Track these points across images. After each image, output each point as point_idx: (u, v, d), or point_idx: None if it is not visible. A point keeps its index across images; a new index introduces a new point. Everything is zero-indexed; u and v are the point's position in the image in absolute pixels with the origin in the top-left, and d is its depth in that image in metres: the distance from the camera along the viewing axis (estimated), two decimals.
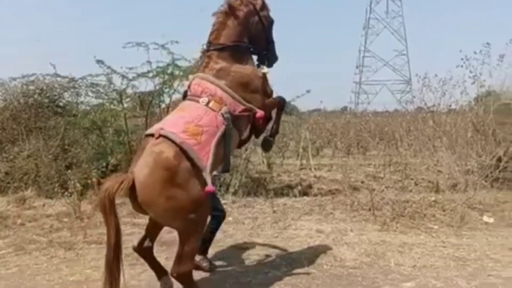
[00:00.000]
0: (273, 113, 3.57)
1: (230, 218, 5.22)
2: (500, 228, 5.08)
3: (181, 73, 6.48)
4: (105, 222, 2.65)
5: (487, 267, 3.89)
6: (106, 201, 2.57)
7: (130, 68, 6.51)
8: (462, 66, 7.24)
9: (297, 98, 7.34)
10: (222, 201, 5.67)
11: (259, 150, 7.39)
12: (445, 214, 5.37)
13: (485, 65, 7.18)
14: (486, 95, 8.02)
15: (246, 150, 7.04)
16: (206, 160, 2.77)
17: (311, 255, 4.13)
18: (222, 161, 3.03)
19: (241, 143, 3.45)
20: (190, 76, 3.43)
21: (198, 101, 2.99)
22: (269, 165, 7.42)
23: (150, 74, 6.51)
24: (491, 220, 5.26)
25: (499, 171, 6.61)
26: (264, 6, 3.42)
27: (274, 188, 7.58)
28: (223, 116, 2.93)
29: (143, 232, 3.15)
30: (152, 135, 2.82)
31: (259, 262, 4.00)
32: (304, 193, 7.54)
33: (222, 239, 4.58)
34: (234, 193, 6.41)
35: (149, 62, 6.48)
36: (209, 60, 3.17)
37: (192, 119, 2.86)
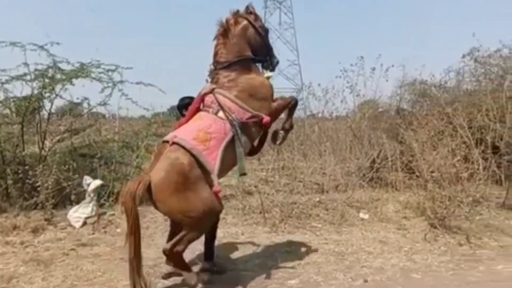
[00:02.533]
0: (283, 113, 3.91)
1: (118, 230, 5.01)
2: (374, 223, 5.65)
3: (63, 77, 6.01)
4: (127, 216, 3.02)
5: (361, 259, 4.32)
6: (130, 199, 2.96)
7: (3, 70, 5.85)
8: (341, 77, 7.95)
9: None
10: (110, 212, 5.45)
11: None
12: (328, 213, 5.80)
13: (360, 76, 7.98)
14: (365, 103, 8.89)
15: (137, 157, 6.79)
16: (213, 163, 3.12)
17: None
18: (233, 165, 3.37)
19: (255, 151, 3.77)
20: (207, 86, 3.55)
21: (208, 111, 3.36)
22: None
23: (28, 77, 5.93)
24: (366, 216, 5.82)
25: (374, 172, 7.35)
26: (257, 18, 3.73)
27: None
28: (231, 123, 3.26)
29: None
30: (167, 141, 3.21)
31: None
32: None
33: (110, 252, 4.38)
34: None
35: (26, 64, 5.89)
36: (218, 76, 3.49)
37: (202, 127, 3.23)
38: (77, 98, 6.54)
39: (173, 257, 3.22)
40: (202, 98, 3.47)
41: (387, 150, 7.47)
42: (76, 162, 6.01)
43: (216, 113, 3.34)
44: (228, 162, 3.28)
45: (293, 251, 4.56)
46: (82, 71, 6.05)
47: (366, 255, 4.45)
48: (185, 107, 3.89)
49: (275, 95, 3.79)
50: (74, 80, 6.04)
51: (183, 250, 3.19)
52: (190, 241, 3.21)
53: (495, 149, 6.76)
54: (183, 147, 3.08)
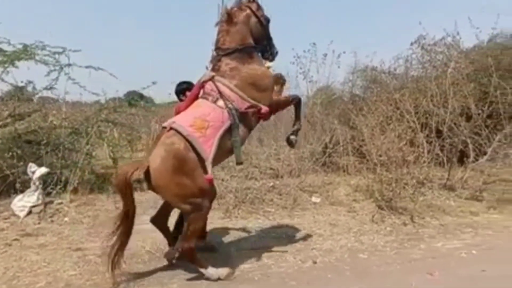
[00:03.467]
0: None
1: (66, 219, 4.86)
2: (325, 207, 5.82)
3: (5, 59, 5.68)
4: (122, 199, 3.17)
5: (311, 241, 4.45)
6: (123, 182, 3.09)
7: None
8: (294, 63, 8.02)
9: (143, 89, 7.08)
10: (58, 201, 5.25)
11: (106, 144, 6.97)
12: (281, 198, 5.91)
13: (313, 62, 8.09)
14: (318, 90, 9.03)
15: (87, 144, 6.56)
16: (209, 151, 3.18)
17: (151, 247, 4.14)
18: (229, 154, 3.46)
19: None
20: (207, 73, 3.54)
21: (208, 99, 3.38)
22: (114, 160, 7.01)
23: None
24: (318, 200, 5.98)
25: (326, 157, 7.54)
26: (259, 7, 3.73)
27: None
28: (229, 112, 3.30)
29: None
30: (165, 127, 3.27)
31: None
32: None
33: (57, 242, 4.25)
34: (74, 192, 5.91)
35: None
36: (220, 63, 3.49)
37: (200, 114, 3.27)
38: (21, 82, 6.22)
39: (186, 253, 3.30)
40: (202, 85, 3.48)
41: (339, 136, 7.69)
42: (22, 149, 5.74)
43: (215, 101, 3.37)
44: (224, 150, 3.34)
45: (245, 236, 4.61)
46: (25, 52, 5.76)
47: (317, 237, 4.58)
48: (183, 92, 3.92)
49: None
50: (18, 63, 5.73)
51: (193, 244, 3.28)
52: (195, 232, 3.29)
53: (439, 133, 7.13)
54: (180, 133, 3.15)
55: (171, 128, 3.22)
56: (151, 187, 3.21)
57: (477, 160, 6.93)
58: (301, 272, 3.63)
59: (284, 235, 4.62)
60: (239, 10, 3.62)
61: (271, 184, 6.29)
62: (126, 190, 3.12)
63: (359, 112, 7.71)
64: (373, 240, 4.51)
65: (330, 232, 4.79)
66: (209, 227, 4.82)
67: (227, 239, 4.51)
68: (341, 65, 8.36)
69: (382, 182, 5.69)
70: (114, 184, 3.29)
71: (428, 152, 6.80)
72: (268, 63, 3.82)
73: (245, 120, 3.45)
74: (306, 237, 4.56)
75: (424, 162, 6.39)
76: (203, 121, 3.22)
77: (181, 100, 3.94)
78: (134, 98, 7.83)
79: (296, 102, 3.95)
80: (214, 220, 5.07)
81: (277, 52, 3.88)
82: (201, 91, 3.49)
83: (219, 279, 3.35)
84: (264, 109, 3.51)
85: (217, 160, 3.32)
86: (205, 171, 3.18)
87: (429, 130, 7.00)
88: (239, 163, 3.51)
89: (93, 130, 6.56)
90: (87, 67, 6.08)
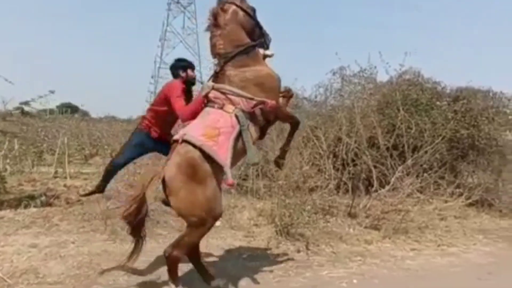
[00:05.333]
0: None
1: None
2: (224, 230, 5.62)
3: None
4: (134, 201, 3.28)
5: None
6: (141, 187, 3.27)
7: None
8: None
9: (39, 98, 6.57)
10: None
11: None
12: (178, 220, 5.56)
13: None
14: None
15: None
16: (225, 157, 3.18)
17: (15, 273, 3.66)
18: (243, 155, 3.46)
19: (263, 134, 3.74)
20: (206, 85, 3.55)
21: (214, 107, 3.40)
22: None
23: None
24: (218, 224, 5.71)
25: (238, 179, 7.37)
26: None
27: (9, 199, 6.58)
28: (237, 117, 3.32)
29: None
30: (177, 140, 3.29)
31: None
32: (49, 204, 6.78)
33: None
34: None
35: None
36: (222, 69, 3.48)
37: (210, 123, 3.30)
38: None
39: (170, 260, 3.28)
40: (204, 98, 3.49)
41: None
42: None
43: (222, 107, 3.38)
44: (237, 153, 3.36)
45: (124, 260, 4.24)
46: None
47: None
48: (184, 69, 3.91)
49: None
50: None
51: (181, 255, 3.31)
52: (189, 245, 3.35)
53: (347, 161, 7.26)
54: (193, 144, 3.17)
55: (183, 141, 3.23)
56: (166, 196, 3.27)
57: (381, 189, 7.11)
58: None
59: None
60: (223, 10, 3.54)
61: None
62: (143, 196, 3.26)
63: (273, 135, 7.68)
64: (260, 267, 4.32)
65: (216, 257, 4.55)
66: (85, 248, 4.45)
67: (100, 263, 4.11)
68: None
69: (280, 207, 5.59)
70: (135, 187, 3.43)
71: (335, 179, 6.89)
72: (267, 52, 3.75)
73: (254, 119, 3.45)
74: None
75: (327, 188, 6.45)
76: (213, 129, 3.25)
77: (177, 76, 3.91)
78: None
79: (295, 122, 3.90)
80: (95, 243, 4.68)
81: (270, 39, 3.80)
82: (205, 100, 3.51)
83: None
84: (271, 102, 3.44)
85: (232, 164, 3.34)
86: (220, 179, 3.29)
87: (338, 158, 7.11)
88: (254, 163, 3.56)
89: None
90: None
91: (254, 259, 4.58)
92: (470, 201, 7.84)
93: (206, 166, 3.18)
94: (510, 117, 9.03)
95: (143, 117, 4.22)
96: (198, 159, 3.16)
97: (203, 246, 4.82)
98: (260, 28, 3.74)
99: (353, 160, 7.21)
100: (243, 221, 6.01)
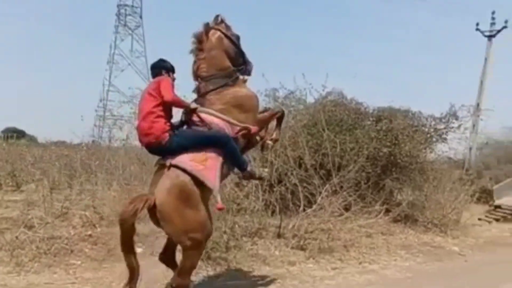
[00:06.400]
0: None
1: None
2: (145, 258, 5.33)
3: None
4: (122, 236, 3.21)
5: None
6: (131, 215, 3.08)
7: None
8: None
9: None
10: None
11: None
12: (95, 248, 5.32)
13: None
14: None
15: None
16: (214, 181, 3.26)
17: None
18: (225, 178, 3.67)
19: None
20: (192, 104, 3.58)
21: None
22: None
23: None
24: (139, 250, 5.48)
25: None
26: (228, 27, 3.74)
27: None
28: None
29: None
30: (164, 164, 3.33)
31: None
32: None
33: None
34: None
35: None
36: (203, 91, 3.57)
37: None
38: None
39: None
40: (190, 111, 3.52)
41: None
42: None
43: None
44: (224, 176, 3.52)
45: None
46: None
47: None
48: (167, 70, 3.64)
49: None
50: None
51: (188, 281, 3.36)
52: (192, 269, 3.41)
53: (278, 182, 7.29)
54: (183, 169, 3.20)
55: (171, 165, 3.25)
56: (154, 221, 3.29)
57: (309, 208, 7.20)
58: None
59: None
60: (209, 35, 3.64)
61: (89, 232, 5.67)
62: (132, 226, 3.15)
63: None
64: None
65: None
66: None
67: None
68: None
69: None
70: (121, 214, 3.20)
71: (262, 200, 6.89)
72: (245, 77, 3.86)
73: (236, 143, 3.54)
74: None
75: (257, 210, 6.43)
76: (201, 154, 3.30)
77: (157, 75, 3.61)
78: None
79: (280, 115, 4.08)
80: None
81: (252, 66, 3.88)
82: (188, 120, 3.55)
83: None
84: (254, 129, 3.63)
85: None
86: (207, 203, 3.36)
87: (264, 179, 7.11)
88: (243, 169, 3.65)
89: None
90: None
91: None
92: (395, 217, 8.19)
93: (196, 190, 3.23)
94: (428, 135, 9.60)
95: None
96: (189, 183, 3.20)
97: (117, 276, 4.63)
98: (243, 55, 3.83)
99: (279, 181, 7.26)
100: None
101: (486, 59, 16.26)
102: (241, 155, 3.68)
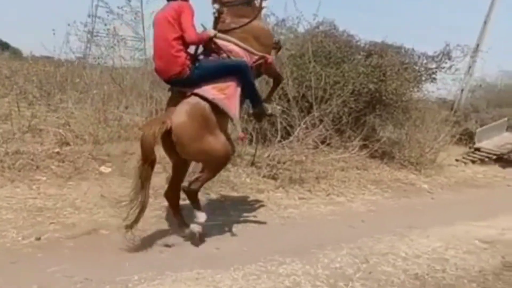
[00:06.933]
0: None
1: None
2: (113, 177, 5.36)
3: None
4: (145, 152, 3.10)
5: (60, 215, 3.97)
6: (151, 138, 3.05)
7: None
8: None
9: None
10: None
11: None
12: (62, 165, 5.28)
13: None
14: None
15: None
16: (235, 110, 3.35)
17: None
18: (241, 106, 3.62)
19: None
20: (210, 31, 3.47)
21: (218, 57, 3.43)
22: None
23: None
24: (108, 170, 5.50)
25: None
26: None
27: None
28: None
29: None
30: (182, 93, 3.31)
31: None
32: None
33: None
34: None
35: None
36: (223, 18, 3.53)
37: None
38: None
39: (190, 194, 3.46)
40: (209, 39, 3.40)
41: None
42: None
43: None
44: (241, 106, 3.56)
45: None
46: None
47: (72, 210, 4.12)
48: None
49: None
50: None
51: (199, 188, 3.51)
52: (205, 181, 3.54)
53: None
54: (204, 98, 3.22)
55: (192, 94, 3.25)
56: (167, 147, 3.32)
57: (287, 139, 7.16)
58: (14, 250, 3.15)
59: (32, 207, 4.05)
60: None
61: (57, 150, 5.61)
62: (152, 145, 3.07)
63: None
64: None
65: (94, 205, 4.36)
66: None
67: None
68: None
69: None
70: (141, 139, 3.14)
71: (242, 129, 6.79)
72: (263, 3, 3.77)
73: (255, 72, 3.62)
74: (58, 210, 4.07)
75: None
76: (222, 82, 3.30)
77: None
78: None
79: (280, 79, 4.13)
80: None
81: None
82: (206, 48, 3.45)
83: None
84: (270, 58, 3.63)
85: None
86: (226, 130, 3.48)
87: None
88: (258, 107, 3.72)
89: None
90: None
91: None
92: (372, 153, 8.21)
93: (217, 117, 3.28)
94: (418, 73, 9.35)
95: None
96: (208, 110, 3.23)
97: (81, 194, 4.65)
98: None
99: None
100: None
101: None
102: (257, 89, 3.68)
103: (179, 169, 3.62)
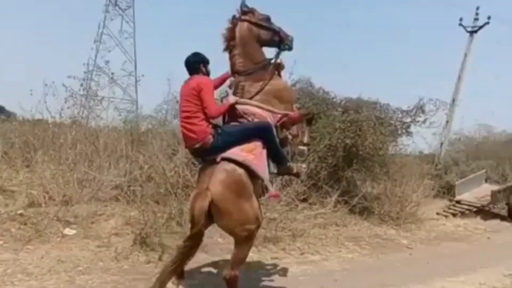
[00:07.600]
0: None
1: None
2: (77, 240, 5.14)
3: None
4: (192, 229, 3.09)
5: (13, 281, 3.75)
6: (200, 214, 3.00)
7: None
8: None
9: None
10: None
11: None
12: (23, 228, 5.08)
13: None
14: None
15: None
16: (264, 170, 3.28)
17: None
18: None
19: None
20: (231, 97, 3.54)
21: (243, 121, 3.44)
22: None
23: None
24: (72, 232, 5.29)
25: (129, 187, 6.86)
26: (253, 13, 3.67)
27: None
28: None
29: None
30: (213, 160, 3.21)
31: None
32: None
33: None
34: None
35: None
36: (242, 86, 3.54)
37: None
38: None
39: (231, 281, 3.22)
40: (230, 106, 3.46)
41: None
42: None
43: None
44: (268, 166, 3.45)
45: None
46: None
47: (22, 277, 3.91)
48: (204, 63, 3.51)
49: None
50: None
51: (240, 272, 3.26)
52: (244, 260, 3.35)
53: None
54: (235, 161, 3.14)
55: (223, 159, 3.18)
56: (206, 217, 3.07)
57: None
58: None
59: None
60: (238, 29, 3.60)
61: (20, 211, 5.42)
62: (203, 222, 3.02)
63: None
64: (88, 282, 3.99)
65: (48, 270, 4.15)
66: None
67: None
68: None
69: (140, 214, 5.30)
70: (191, 216, 3.10)
71: None
72: (281, 62, 3.83)
73: (277, 131, 3.55)
74: (8, 276, 3.84)
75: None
76: (249, 143, 3.27)
77: (197, 71, 3.47)
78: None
79: (310, 116, 4.02)
80: None
81: (292, 39, 3.77)
82: (230, 115, 3.51)
83: None
84: (294, 114, 3.65)
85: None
86: (256, 196, 3.32)
87: None
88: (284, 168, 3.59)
89: None
90: None
91: (91, 272, 4.26)
92: (351, 208, 8.09)
93: (250, 181, 3.20)
94: (394, 127, 9.50)
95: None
96: (244, 176, 3.16)
97: (38, 258, 4.43)
98: (278, 33, 3.73)
99: None
100: (105, 229, 5.58)
101: (466, 54, 16.11)
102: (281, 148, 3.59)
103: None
